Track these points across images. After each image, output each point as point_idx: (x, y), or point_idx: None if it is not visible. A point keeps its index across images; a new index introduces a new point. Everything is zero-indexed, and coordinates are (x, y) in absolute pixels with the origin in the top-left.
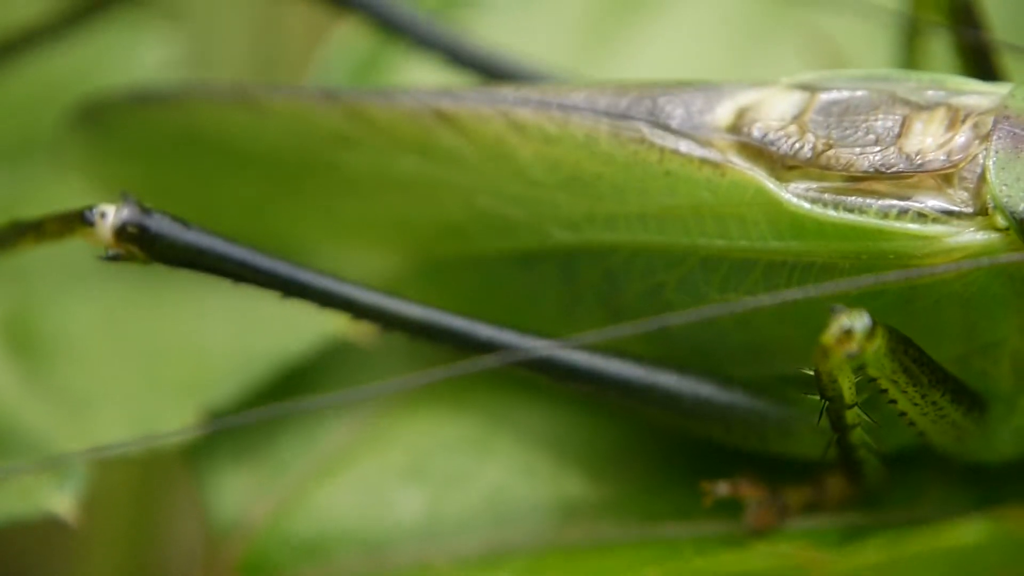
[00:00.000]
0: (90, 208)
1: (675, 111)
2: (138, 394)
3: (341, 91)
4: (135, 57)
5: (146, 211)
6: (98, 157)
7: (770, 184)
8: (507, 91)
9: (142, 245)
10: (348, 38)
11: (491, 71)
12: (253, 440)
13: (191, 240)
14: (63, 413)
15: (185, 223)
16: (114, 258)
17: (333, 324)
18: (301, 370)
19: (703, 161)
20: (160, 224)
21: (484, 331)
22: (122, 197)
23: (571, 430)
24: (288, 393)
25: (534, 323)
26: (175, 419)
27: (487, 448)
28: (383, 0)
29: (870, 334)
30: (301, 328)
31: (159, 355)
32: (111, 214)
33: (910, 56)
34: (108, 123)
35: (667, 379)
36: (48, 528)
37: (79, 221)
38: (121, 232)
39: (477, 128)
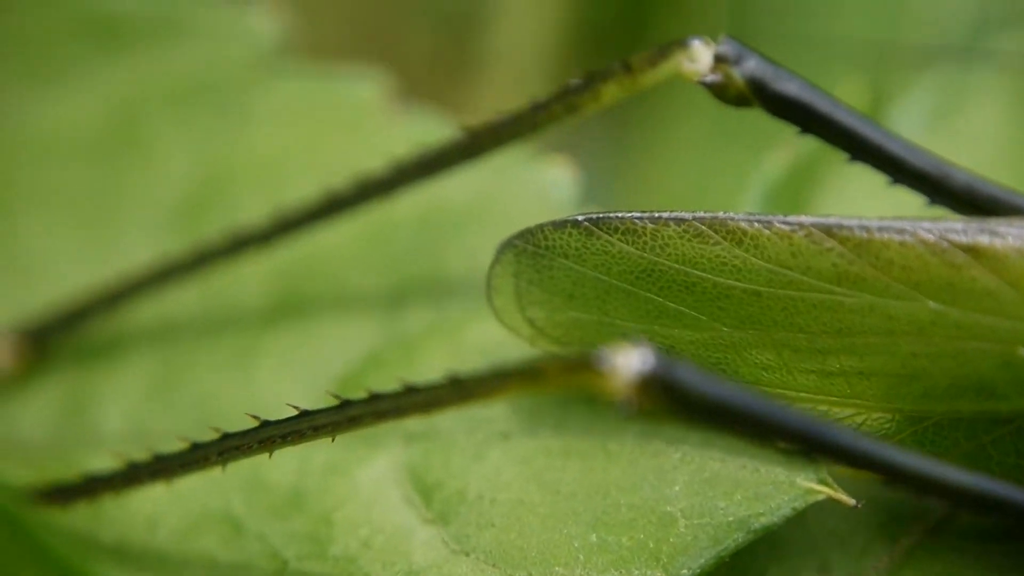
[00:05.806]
0: (604, 352)
1: None
2: (590, 561)
3: (844, 222)
4: (539, 192)
5: (672, 358)
6: (525, 297)
7: None
8: None
9: (669, 398)
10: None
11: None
12: None
13: (718, 393)
14: None
15: (711, 374)
16: (629, 412)
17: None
18: (774, 536)
19: None
20: (689, 375)
21: None
22: (634, 343)
23: None
24: (759, 563)
25: None
26: None
27: None
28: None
29: None
30: (771, 487)
31: (610, 518)
32: (634, 361)
33: None
34: (541, 260)
35: None
36: None
37: (588, 369)
38: (648, 383)
39: (1022, 267)
